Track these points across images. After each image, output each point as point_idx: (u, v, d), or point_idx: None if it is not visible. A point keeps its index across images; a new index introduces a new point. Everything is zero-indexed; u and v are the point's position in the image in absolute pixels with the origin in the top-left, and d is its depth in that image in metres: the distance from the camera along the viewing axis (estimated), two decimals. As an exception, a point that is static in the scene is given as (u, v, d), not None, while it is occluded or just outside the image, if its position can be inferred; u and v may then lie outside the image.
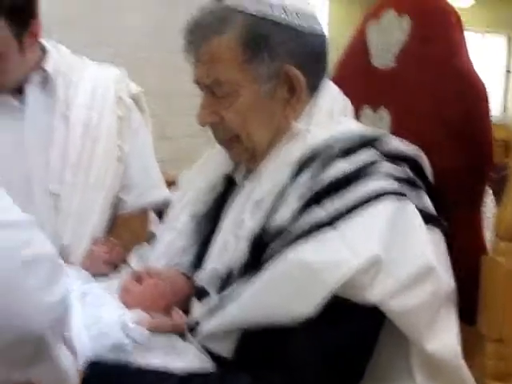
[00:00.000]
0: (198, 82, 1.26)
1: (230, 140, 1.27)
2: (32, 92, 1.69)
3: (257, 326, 1.09)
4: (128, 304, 1.25)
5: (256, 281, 1.10)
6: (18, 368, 0.90)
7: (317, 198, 1.13)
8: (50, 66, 1.71)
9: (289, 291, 1.07)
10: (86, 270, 1.44)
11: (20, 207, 1.62)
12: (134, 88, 1.81)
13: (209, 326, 1.15)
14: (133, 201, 1.78)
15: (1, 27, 1.58)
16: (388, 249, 1.06)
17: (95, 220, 1.70)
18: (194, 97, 1.31)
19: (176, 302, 1.30)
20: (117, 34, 4.07)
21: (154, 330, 1.19)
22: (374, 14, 1.40)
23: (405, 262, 1.07)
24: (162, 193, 1.79)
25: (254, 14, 1.20)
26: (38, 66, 1.70)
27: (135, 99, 1.81)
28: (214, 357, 1.15)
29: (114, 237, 1.68)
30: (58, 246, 1.60)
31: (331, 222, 1.10)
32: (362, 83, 1.42)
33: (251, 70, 1.20)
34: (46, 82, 1.70)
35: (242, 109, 1.22)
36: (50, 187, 1.66)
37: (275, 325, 1.07)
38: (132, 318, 1.18)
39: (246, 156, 1.27)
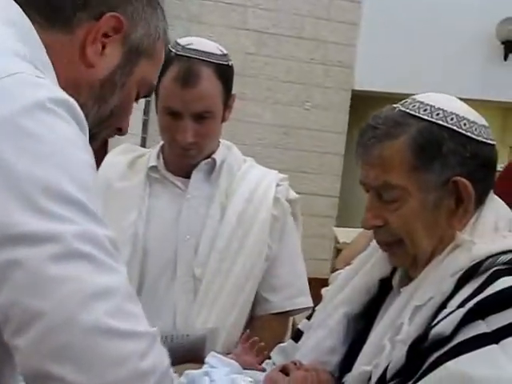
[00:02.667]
0: (363, 183, 1.28)
1: (392, 244, 1.27)
2: (197, 179, 1.78)
3: None
4: None
5: None
6: None
7: (480, 312, 1.11)
8: (219, 156, 1.80)
9: None
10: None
11: (161, 281, 1.68)
12: (293, 194, 1.86)
13: None
14: (279, 303, 1.80)
15: (214, 83, 1.68)
16: None
17: (235, 313, 1.72)
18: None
19: None
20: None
21: None
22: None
23: None
24: (308, 300, 1.82)
25: (429, 120, 1.23)
26: (210, 154, 1.79)
27: (292, 204, 1.85)
28: None
29: (253, 336, 1.69)
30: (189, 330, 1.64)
31: (494, 336, 1.07)
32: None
33: (421, 177, 1.21)
34: (212, 171, 1.79)
35: (407, 215, 1.22)
36: (196, 271, 1.70)
37: None
38: None
39: (408, 261, 1.27)
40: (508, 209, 1.28)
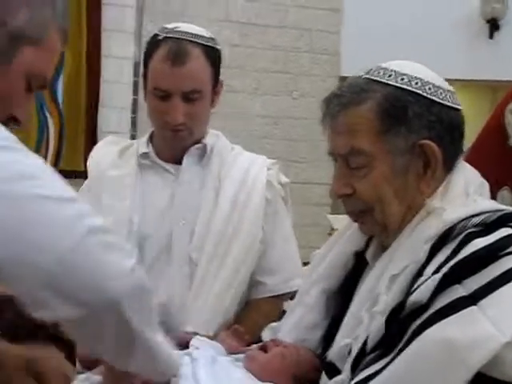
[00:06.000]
0: (332, 153, 1.28)
1: (361, 212, 1.27)
2: (188, 164, 1.78)
3: None
4: (253, 372, 1.25)
5: (395, 360, 1.07)
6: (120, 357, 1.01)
7: (456, 276, 1.10)
8: (209, 142, 1.81)
9: (431, 370, 1.04)
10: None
11: (156, 266, 1.71)
12: (283, 178, 1.87)
13: None
14: (275, 285, 1.80)
15: (203, 63, 1.68)
16: None
17: (230, 296, 1.72)
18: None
19: (301, 374, 1.29)
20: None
21: None
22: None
23: None
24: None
25: (394, 85, 1.22)
26: (200, 140, 1.79)
27: (283, 188, 1.86)
28: None
29: (246, 319, 1.69)
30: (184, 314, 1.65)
31: (472, 299, 1.07)
32: (499, 164, 1.40)
33: (387, 141, 1.21)
34: (203, 155, 1.80)
35: (376, 180, 1.22)
36: (192, 255, 1.70)
37: None
38: None
39: (378, 229, 1.27)
40: (478, 173, 1.28)
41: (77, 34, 3.91)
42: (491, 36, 4.98)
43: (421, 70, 1.26)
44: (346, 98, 1.23)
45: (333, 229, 4.32)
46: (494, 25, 4.94)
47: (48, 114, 3.87)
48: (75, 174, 2.58)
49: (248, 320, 1.72)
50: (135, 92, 4.23)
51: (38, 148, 3.81)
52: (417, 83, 1.22)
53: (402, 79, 1.23)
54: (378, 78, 1.24)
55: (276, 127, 4.86)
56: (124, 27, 4.18)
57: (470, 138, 1.50)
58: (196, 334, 1.51)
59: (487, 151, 1.45)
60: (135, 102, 4.22)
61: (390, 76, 1.23)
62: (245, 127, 4.68)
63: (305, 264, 1.81)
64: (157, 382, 1.16)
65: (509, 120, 1.40)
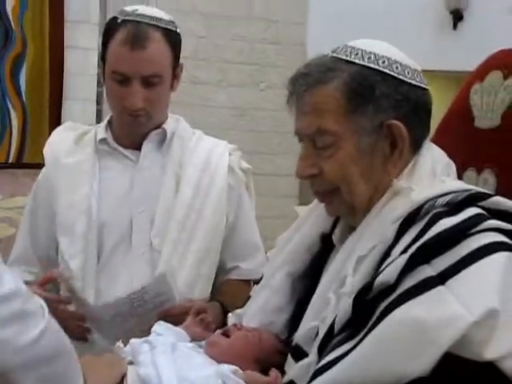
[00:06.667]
0: (298, 134, 1.26)
1: (328, 193, 1.25)
2: (148, 150, 1.76)
3: None
4: (215, 357, 1.24)
5: (363, 341, 1.06)
6: None
7: (423, 256, 1.09)
8: (170, 127, 1.78)
9: (399, 351, 1.03)
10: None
11: (117, 253, 1.68)
12: (245, 164, 1.86)
13: None
14: (253, 270, 1.80)
15: (163, 47, 1.66)
16: (505, 302, 1.01)
17: (200, 286, 1.72)
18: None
19: (264, 358, 1.28)
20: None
21: (250, 382, 1.16)
22: (477, 77, 1.40)
23: None
24: None
25: (361, 64, 1.21)
26: (160, 125, 1.77)
27: (245, 174, 1.85)
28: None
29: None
30: None
31: (440, 278, 1.06)
32: (465, 145, 1.40)
33: (354, 121, 1.19)
34: (163, 141, 1.78)
35: (342, 160, 1.20)
36: (153, 242, 1.68)
37: None
38: (228, 369, 1.16)
39: (345, 210, 1.25)
40: (444, 154, 1.27)
41: (39, 25, 3.84)
42: (455, 27, 5.02)
43: (388, 48, 1.25)
44: (312, 78, 1.21)
45: (300, 220, 4.36)
46: (456, 16, 4.98)
47: (10, 107, 3.79)
48: (40, 167, 2.54)
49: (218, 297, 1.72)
50: (99, 84, 4.18)
51: (0, 141, 3.74)
52: (384, 62, 1.21)
53: (369, 58, 1.21)
54: (345, 57, 1.22)
55: (242, 119, 4.85)
56: (88, 18, 4.12)
57: (434, 127, 1.50)
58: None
59: (453, 133, 1.45)
60: (100, 94, 4.17)
61: (356, 54, 1.22)
62: (211, 119, 4.66)
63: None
64: None
65: (474, 101, 1.41)
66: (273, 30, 4.86)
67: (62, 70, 4.02)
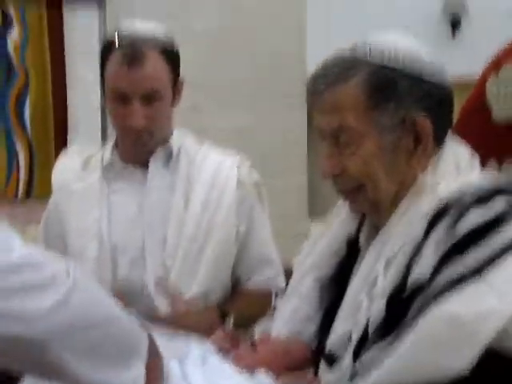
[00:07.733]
0: (319, 132, 1.25)
1: (353, 191, 1.24)
2: (156, 168, 1.75)
3: None
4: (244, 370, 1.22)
5: (402, 342, 1.05)
6: None
7: (456, 250, 1.08)
8: (176, 143, 1.77)
9: (440, 348, 1.02)
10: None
11: (132, 272, 1.66)
12: (256, 175, 1.84)
13: None
14: (272, 280, 1.79)
15: (160, 63, 1.67)
16: None
17: (214, 296, 1.72)
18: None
19: (294, 367, 1.27)
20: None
21: None
22: (493, 68, 1.39)
23: None
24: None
25: (380, 62, 1.20)
26: (166, 141, 1.76)
27: (256, 186, 1.83)
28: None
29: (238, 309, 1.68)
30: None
31: (475, 272, 1.05)
32: (484, 139, 1.39)
33: (375, 118, 1.19)
34: (170, 158, 1.76)
35: (365, 157, 1.19)
36: (167, 263, 1.68)
37: None
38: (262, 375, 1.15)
39: (370, 207, 1.24)
40: (467, 147, 1.26)
41: (40, 59, 3.86)
42: (453, 35, 5.04)
43: (410, 43, 1.24)
44: (331, 76, 1.21)
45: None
46: (454, 24, 5.00)
47: (17, 141, 3.79)
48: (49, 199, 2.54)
49: (238, 309, 1.71)
50: (104, 113, 4.19)
51: (9, 176, 3.74)
52: (404, 58, 1.20)
53: (390, 54, 1.20)
54: (364, 55, 1.21)
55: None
56: (89, 49, 4.13)
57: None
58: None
59: (471, 127, 1.44)
60: (104, 122, 4.18)
61: (376, 52, 1.21)
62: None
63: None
64: None
65: (491, 94, 1.40)
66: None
67: (66, 102, 4.03)
